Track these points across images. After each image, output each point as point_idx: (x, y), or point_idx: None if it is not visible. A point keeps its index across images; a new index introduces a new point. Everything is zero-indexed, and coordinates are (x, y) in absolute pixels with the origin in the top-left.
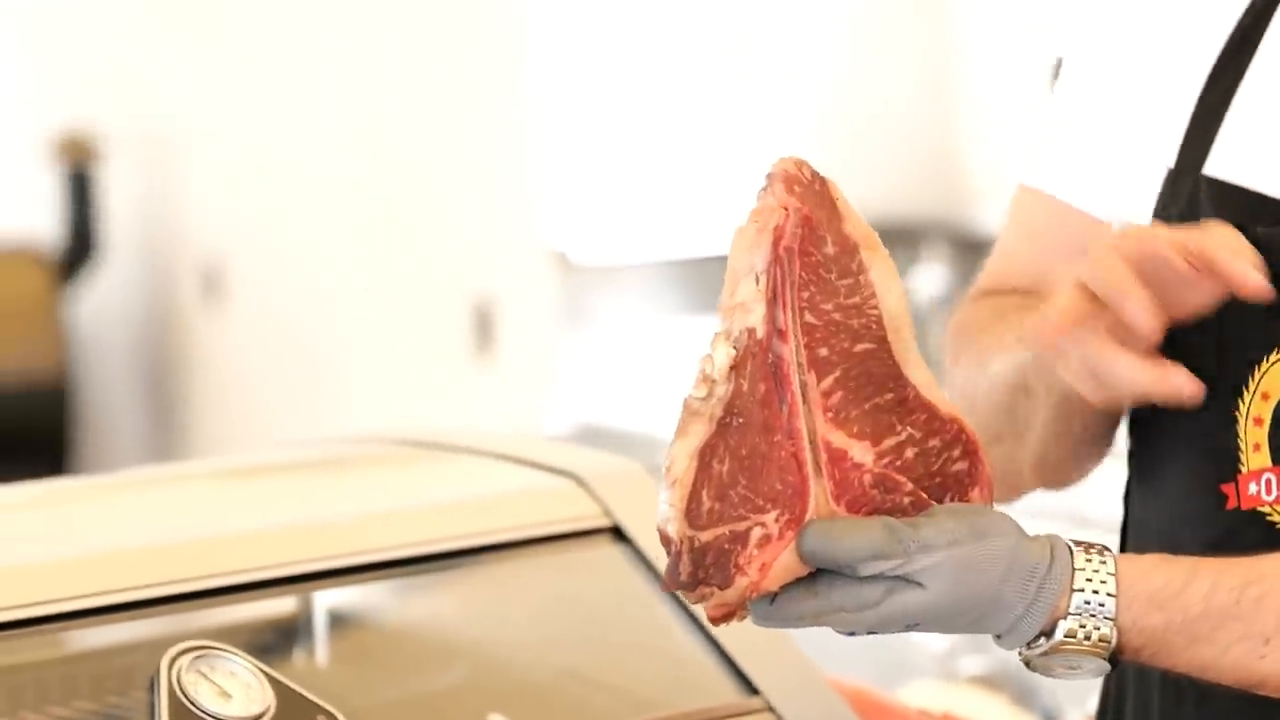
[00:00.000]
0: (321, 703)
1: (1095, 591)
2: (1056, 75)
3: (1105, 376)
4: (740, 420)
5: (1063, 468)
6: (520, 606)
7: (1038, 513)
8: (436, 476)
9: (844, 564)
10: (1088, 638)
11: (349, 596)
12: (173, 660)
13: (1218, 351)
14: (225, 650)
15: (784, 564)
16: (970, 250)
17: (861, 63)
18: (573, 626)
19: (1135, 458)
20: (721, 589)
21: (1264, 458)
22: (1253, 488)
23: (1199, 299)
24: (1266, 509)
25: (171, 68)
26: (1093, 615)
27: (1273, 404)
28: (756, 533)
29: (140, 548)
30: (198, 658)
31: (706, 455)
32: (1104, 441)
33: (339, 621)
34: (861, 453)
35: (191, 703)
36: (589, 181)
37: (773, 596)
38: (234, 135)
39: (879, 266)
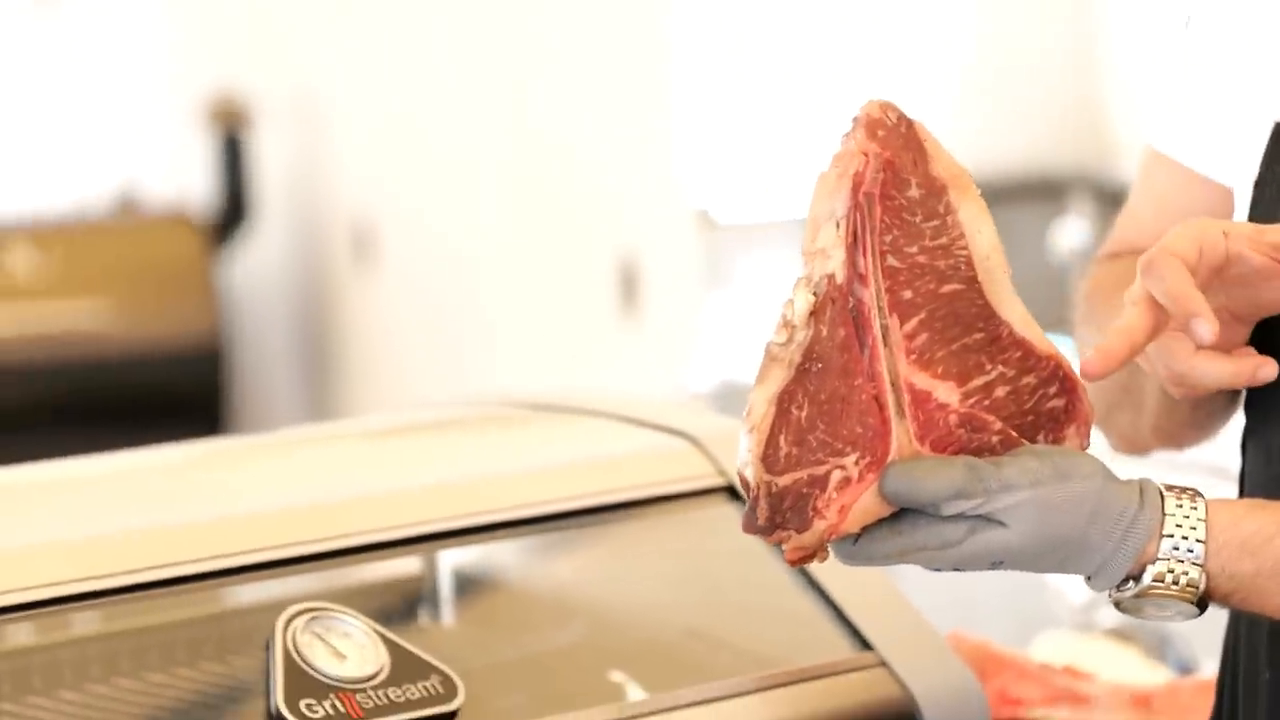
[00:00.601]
0: (437, 663)
1: (1185, 537)
2: (1185, 31)
3: (1185, 378)
4: (820, 365)
5: (1182, 435)
6: (636, 566)
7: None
8: (552, 438)
9: (926, 503)
10: (1176, 582)
11: (467, 558)
12: (288, 622)
13: None
14: (340, 611)
15: (864, 506)
16: (1114, 203)
17: (1005, 14)
18: (688, 585)
19: (1248, 403)
20: (799, 532)
21: None
22: None
23: (1268, 288)
24: None
25: (322, 32)
26: (1181, 560)
27: None
28: (836, 476)
29: (259, 512)
30: (313, 619)
31: (785, 401)
32: (1224, 411)
33: (457, 583)
34: (947, 393)
35: (306, 663)
36: (731, 140)
37: (855, 538)
38: (383, 99)
39: (968, 206)
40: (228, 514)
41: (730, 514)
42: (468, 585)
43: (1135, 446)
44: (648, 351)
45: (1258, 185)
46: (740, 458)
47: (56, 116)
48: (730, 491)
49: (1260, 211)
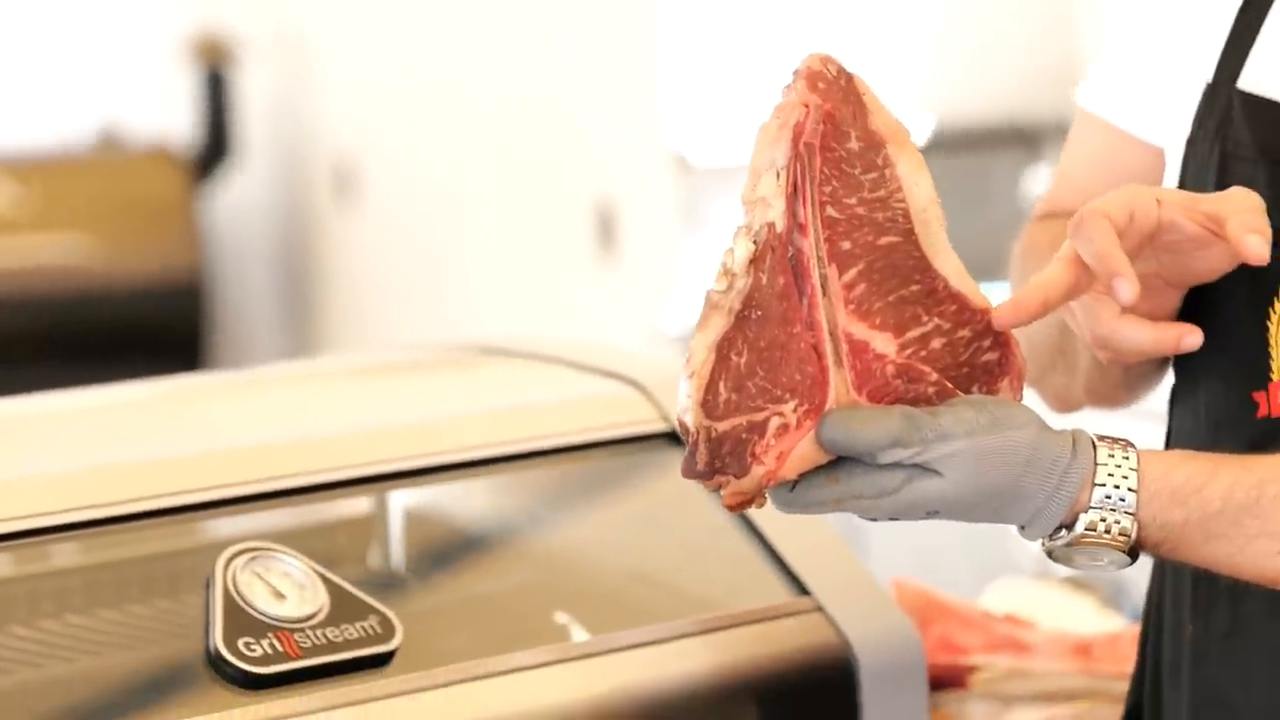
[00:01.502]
0: (376, 604)
1: (1117, 486)
2: None
3: (1108, 341)
4: (759, 313)
5: (1114, 395)
6: (579, 510)
7: None
8: (498, 383)
9: (862, 452)
10: (1108, 531)
11: (411, 499)
12: (228, 561)
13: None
14: (281, 551)
15: (801, 453)
16: None
17: None
18: (630, 529)
19: (1177, 364)
20: (738, 477)
21: None
22: None
23: (1214, 263)
24: None
25: None
26: (1113, 509)
27: None
28: (774, 422)
29: (205, 451)
30: (253, 559)
31: (724, 348)
32: (1155, 374)
33: (401, 524)
34: (884, 343)
35: (246, 602)
36: (709, 84)
37: (793, 484)
38: (367, 37)
39: (906, 160)
40: (172, 454)
41: (673, 459)
42: (412, 527)
43: (1068, 405)
44: (624, 293)
45: (1189, 144)
46: (680, 403)
47: (40, 51)
48: (674, 437)
49: (1191, 171)
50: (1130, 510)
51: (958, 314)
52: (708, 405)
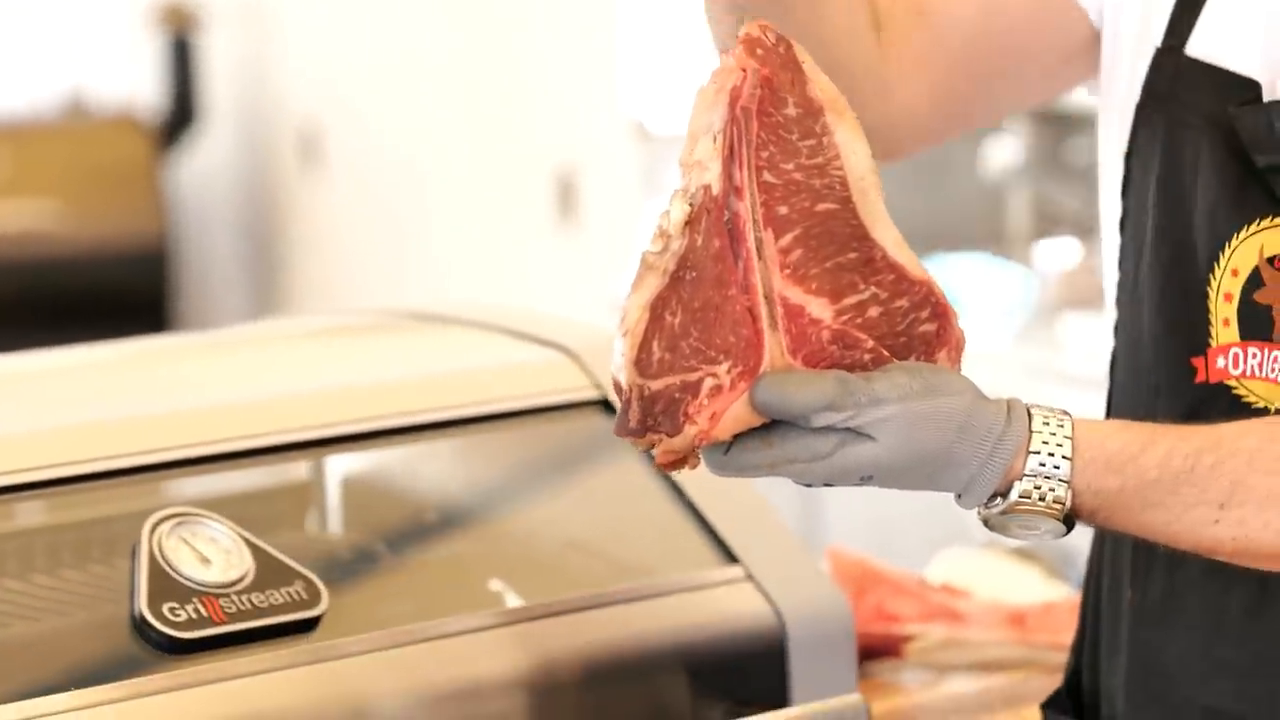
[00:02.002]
0: (302, 569)
1: (1051, 454)
2: None
3: None
4: (694, 274)
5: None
6: (509, 477)
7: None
8: (430, 349)
9: (796, 415)
10: (1042, 499)
11: (341, 465)
12: (154, 526)
13: (1197, 224)
14: (207, 516)
15: (735, 414)
16: (1048, 122)
17: None
18: (560, 497)
19: (1118, 329)
20: (670, 436)
21: (1232, 333)
22: (1220, 361)
23: None
24: (1233, 383)
25: None
26: (1048, 477)
27: (1242, 280)
28: (708, 383)
29: (134, 416)
30: (180, 524)
31: (659, 307)
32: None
33: (330, 491)
34: (820, 309)
35: (171, 567)
36: (666, 51)
37: (726, 447)
38: (330, 4)
39: (845, 129)
40: (104, 418)
41: (605, 427)
42: (343, 493)
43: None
44: (584, 259)
45: (1139, 110)
46: (614, 362)
47: (6, 18)
48: (605, 405)
49: (1142, 137)
50: (1065, 478)
51: (895, 284)
52: (641, 363)
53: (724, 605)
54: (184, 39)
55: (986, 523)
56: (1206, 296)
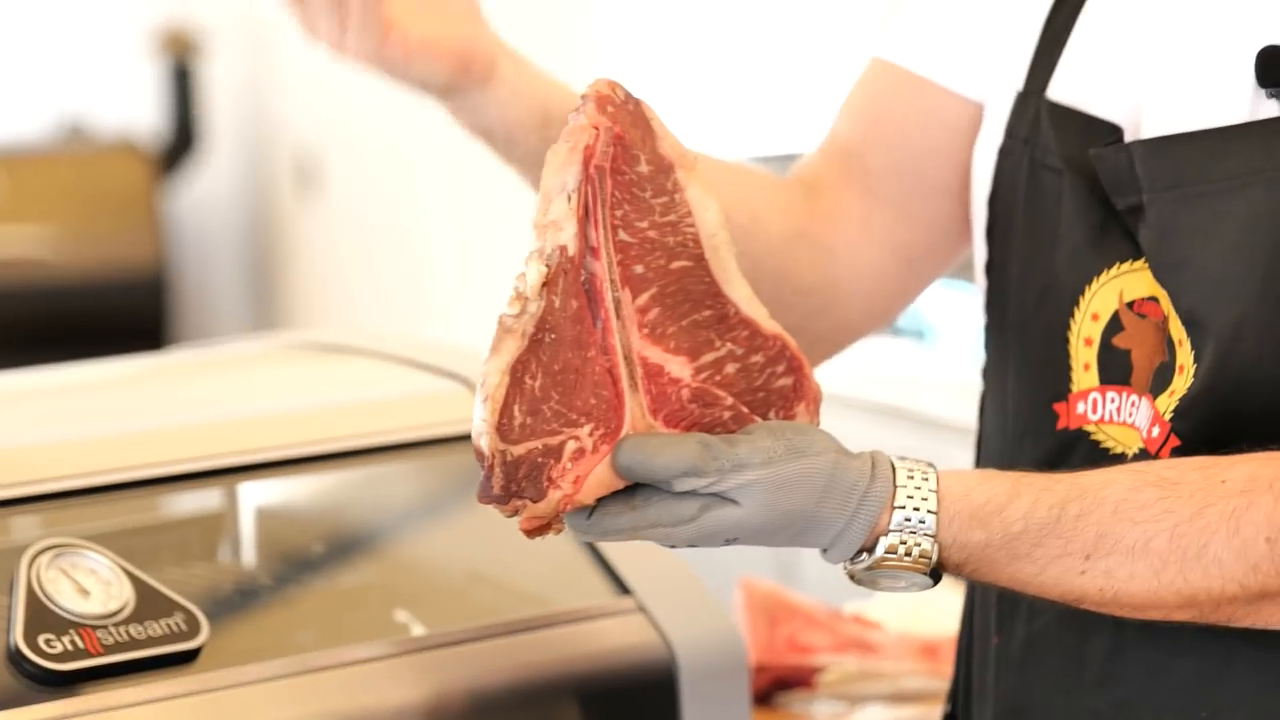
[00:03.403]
0: (182, 600)
1: (916, 508)
2: None
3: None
4: (553, 336)
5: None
6: (405, 507)
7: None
8: (328, 379)
9: (658, 479)
10: (909, 553)
11: (231, 497)
12: (34, 558)
13: (1059, 268)
14: (86, 547)
15: (599, 477)
16: None
17: None
18: (456, 527)
19: (985, 373)
20: (534, 501)
21: (1093, 377)
22: (1080, 407)
23: None
24: (1092, 428)
25: None
26: (913, 532)
27: (1102, 324)
28: (570, 446)
29: (23, 446)
30: (59, 555)
31: (519, 371)
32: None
33: (217, 522)
34: (679, 368)
35: (49, 599)
36: (648, 80)
37: (590, 511)
38: None
39: (695, 186)
40: None
41: None
42: (232, 525)
43: None
44: None
45: (1001, 153)
46: (475, 428)
47: (4, 44)
48: None
49: (1005, 179)
50: (930, 532)
51: (750, 339)
52: (502, 429)
53: (615, 636)
54: (184, 65)
55: (853, 577)
56: (1068, 341)
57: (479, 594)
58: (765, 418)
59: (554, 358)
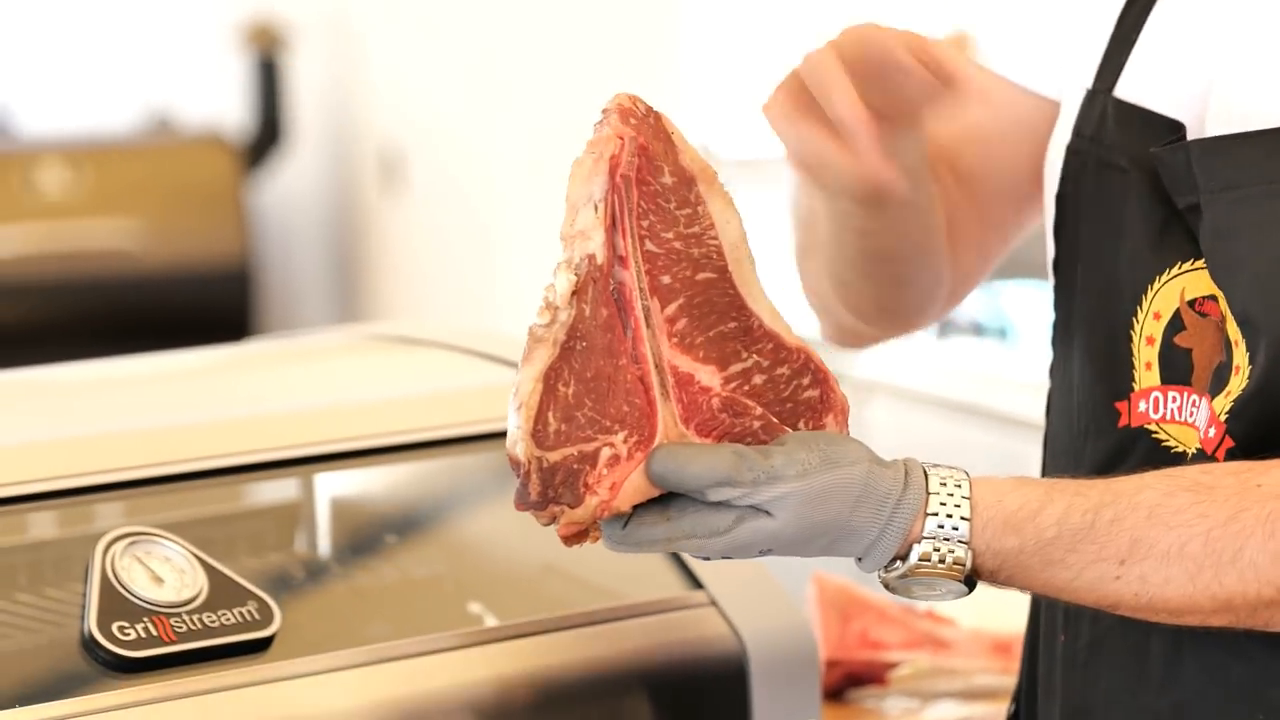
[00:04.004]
0: (255, 589)
1: (949, 516)
2: None
3: (812, 161)
4: (584, 344)
5: (864, 293)
6: (479, 499)
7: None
8: (402, 370)
9: (691, 489)
10: (942, 561)
11: (307, 487)
12: (108, 545)
13: (1123, 266)
14: (161, 536)
15: (635, 484)
16: None
17: None
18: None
19: (1052, 371)
20: (571, 507)
21: (1154, 376)
22: (1142, 405)
23: (918, 93)
24: (1153, 427)
25: None
26: (947, 539)
27: (1164, 323)
28: (605, 453)
29: (101, 434)
30: (133, 543)
31: (551, 378)
32: (901, 276)
33: (292, 512)
34: (709, 377)
35: (123, 587)
36: (733, 76)
37: (625, 521)
38: (415, 25)
39: (716, 199)
40: (66, 437)
41: None
42: (307, 514)
43: (832, 317)
44: None
45: (1070, 151)
46: (510, 436)
47: (93, 37)
48: None
49: (1071, 177)
50: (964, 539)
51: (774, 352)
52: (538, 435)
53: (687, 629)
54: (270, 59)
55: (887, 585)
56: (1130, 340)
57: (551, 586)
58: (794, 428)
59: (586, 365)
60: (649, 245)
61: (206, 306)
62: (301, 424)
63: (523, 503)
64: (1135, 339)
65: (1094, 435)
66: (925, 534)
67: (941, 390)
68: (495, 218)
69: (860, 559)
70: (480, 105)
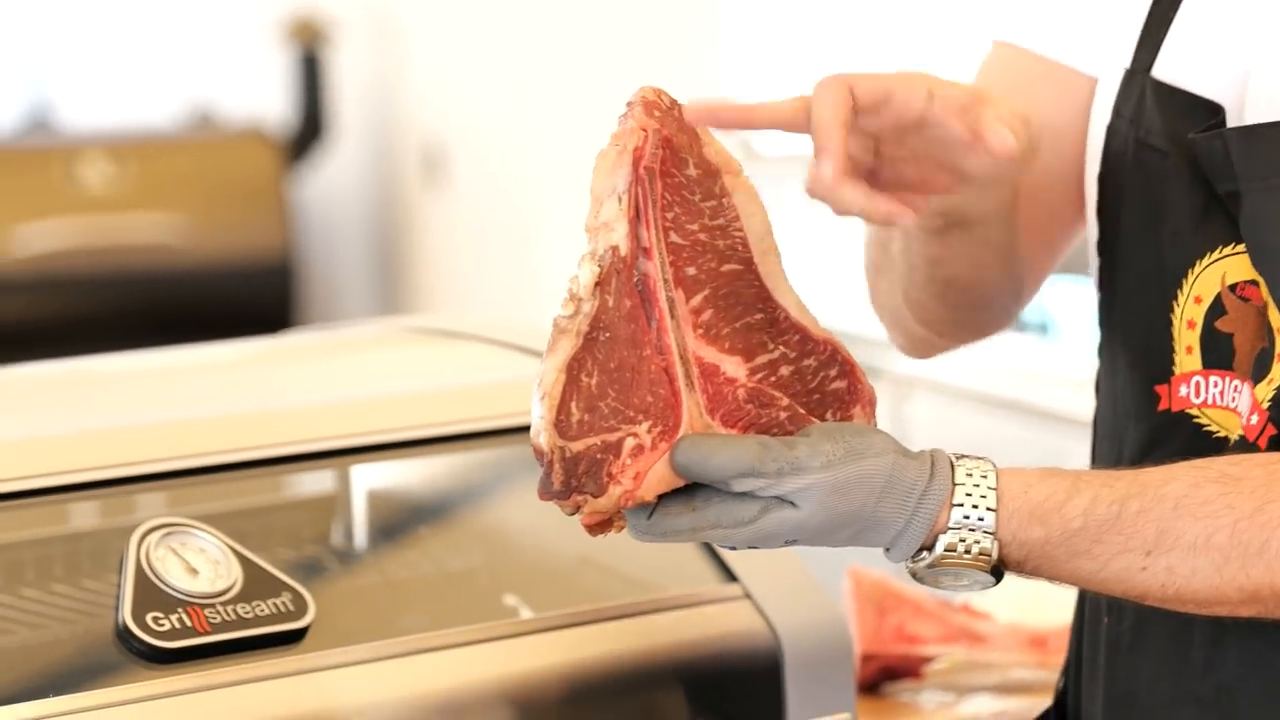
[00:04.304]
0: (290, 580)
1: (975, 506)
2: None
3: (822, 198)
4: (607, 335)
5: (934, 310)
6: (508, 492)
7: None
8: (438, 363)
9: (715, 479)
10: (968, 551)
11: (344, 479)
12: (143, 536)
13: (1163, 249)
14: (196, 527)
15: (659, 474)
16: None
17: None
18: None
19: (1100, 352)
20: (595, 497)
21: (1195, 361)
22: (1183, 390)
23: (979, 164)
24: (1195, 411)
25: None
26: (972, 529)
27: (1204, 307)
28: (629, 443)
29: (136, 426)
30: (168, 534)
31: (574, 369)
32: (975, 294)
33: (328, 504)
34: (734, 368)
35: (158, 577)
36: (772, 73)
37: (650, 511)
38: (457, 21)
39: (741, 191)
40: (105, 427)
41: None
42: (339, 507)
43: (904, 330)
44: None
45: (1109, 131)
46: (533, 426)
47: (136, 32)
48: None
49: (1111, 158)
50: (989, 530)
51: (801, 343)
52: (561, 425)
53: (721, 623)
54: (313, 54)
55: (915, 576)
56: (1170, 324)
57: (586, 578)
58: (821, 419)
59: (609, 356)
60: (674, 237)
61: (248, 301)
62: (337, 416)
63: (546, 492)
64: (1175, 323)
65: (1135, 418)
66: (951, 524)
67: (982, 386)
68: (536, 212)
69: (887, 549)
70: (522, 100)
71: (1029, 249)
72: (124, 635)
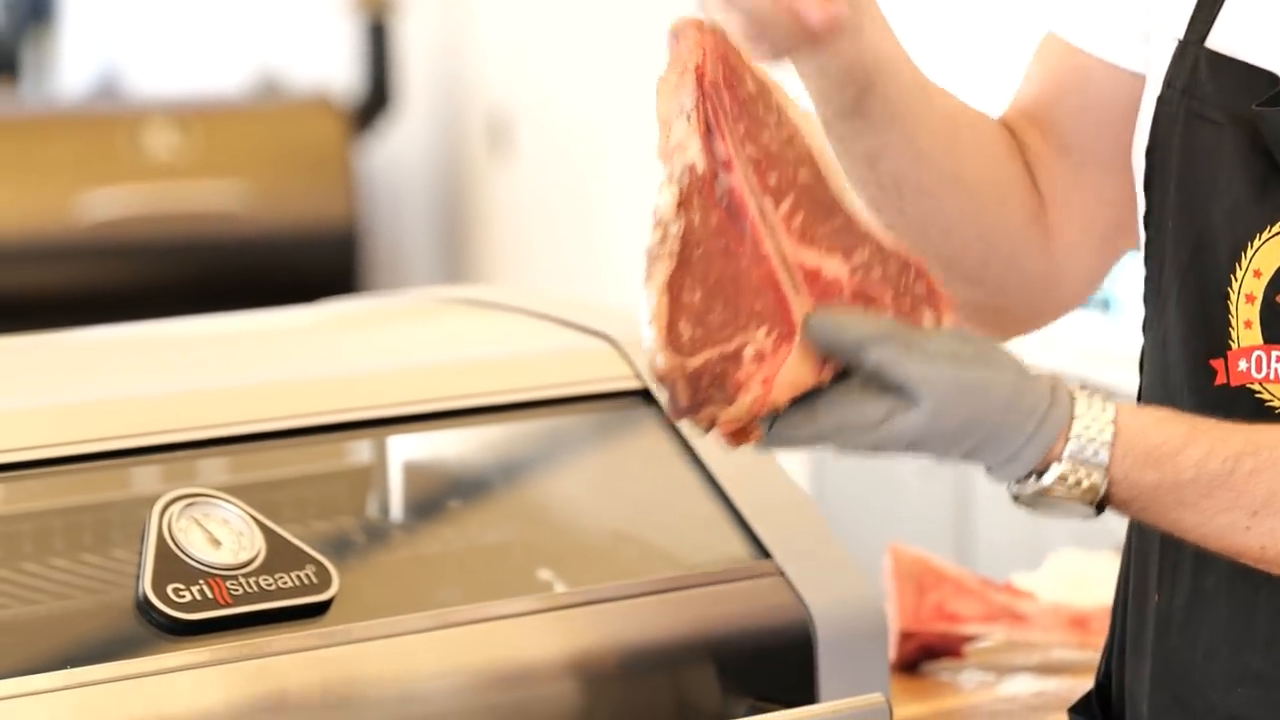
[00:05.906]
0: (313, 553)
1: (1091, 439)
2: None
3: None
4: (700, 251)
5: (904, 233)
6: (544, 465)
7: None
8: (474, 334)
9: (850, 346)
10: (1078, 484)
11: (372, 451)
12: (165, 507)
13: (1219, 222)
14: (219, 497)
15: (787, 378)
16: None
17: None
18: (596, 486)
19: (1145, 326)
20: (727, 406)
21: (1255, 335)
22: (1242, 364)
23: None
24: (1256, 386)
25: None
26: (1085, 463)
27: (1265, 281)
28: (749, 351)
29: (166, 395)
30: (191, 505)
31: (675, 289)
32: (925, 209)
33: (359, 476)
34: (835, 267)
35: (179, 548)
36: None
37: (771, 421)
38: None
39: (793, 108)
40: (134, 395)
41: (643, 417)
42: (368, 478)
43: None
44: None
45: (1160, 102)
46: (648, 353)
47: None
48: (645, 394)
49: (1161, 129)
50: (1102, 465)
51: (878, 249)
52: (675, 344)
53: (753, 599)
54: (380, 23)
55: (1016, 499)
56: (1227, 297)
57: (620, 553)
58: (920, 322)
59: (708, 271)
60: (748, 148)
61: (313, 269)
62: (368, 386)
63: (676, 411)
64: (1233, 296)
65: (1189, 392)
66: (1066, 454)
67: (1043, 363)
68: (602, 184)
69: (993, 468)
70: (589, 71)
71: (1071, 227)
72: (144, 606)
